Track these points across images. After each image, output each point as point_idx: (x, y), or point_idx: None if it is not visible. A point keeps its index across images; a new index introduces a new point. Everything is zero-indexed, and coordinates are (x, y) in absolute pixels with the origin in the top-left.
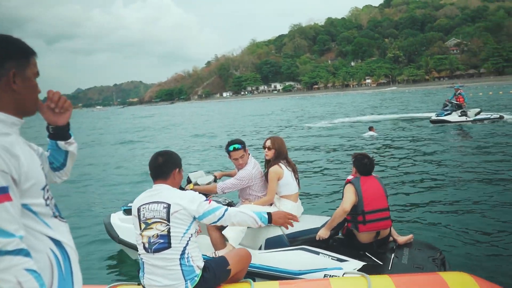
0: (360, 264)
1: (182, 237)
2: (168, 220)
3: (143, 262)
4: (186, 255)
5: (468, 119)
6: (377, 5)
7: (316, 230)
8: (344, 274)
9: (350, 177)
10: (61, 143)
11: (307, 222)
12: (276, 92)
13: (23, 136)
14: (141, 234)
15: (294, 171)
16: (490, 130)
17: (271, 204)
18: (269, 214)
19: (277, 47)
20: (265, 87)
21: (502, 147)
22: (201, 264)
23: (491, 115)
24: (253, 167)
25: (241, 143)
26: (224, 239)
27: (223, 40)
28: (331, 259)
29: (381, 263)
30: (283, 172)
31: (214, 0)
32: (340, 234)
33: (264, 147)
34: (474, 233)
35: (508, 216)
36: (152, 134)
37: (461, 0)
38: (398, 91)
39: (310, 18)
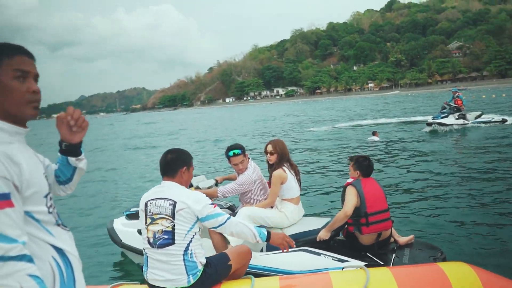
0: (361, 264)
1: (186, 234)
2: (173, 217)
3: (147, 256)
4: (189, 251)
5: (466, 122)
6: (378, 9)
7: (316, 231)
8: (343, 268)
9: (349, 180)
10: (71, 159)
11: (307, 224)
12: (278, 97)
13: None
14: (146, 228)
15: (296, 173)
16: (488, 133)
17: (272, 207)
18: (268, 232)
19: (279, 52)
20: (268, 92)
21: (499, 148)
22: (204, 261)
23: (493, 118)
24: (253, 171)
25: (241, 148)
26: (226, 241)
27: (224, 46)
28: (332, 259)
29: (382, 263)
30: (286, 177)
31: (214, 6)
32: (341, 235)
33: (266, 152)
34: (475, 232)
35: (508, 211)
36: (157, 140)
37: (462, 3)
38: (401, 95)
39: (312, 23)
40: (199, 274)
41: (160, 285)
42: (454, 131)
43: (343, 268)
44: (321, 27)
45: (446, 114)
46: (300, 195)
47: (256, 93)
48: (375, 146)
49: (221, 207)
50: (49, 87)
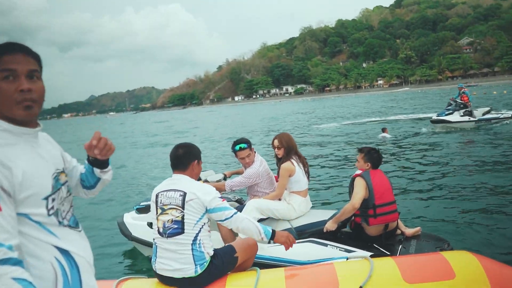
0: (367, 254)
1: (195, 224)
2: (183, 207)
3: (156, 246)
4: (198, 241)
5: (472, 119)
6: (387, 5)
7: (323, 223)
8: (347, 258)
9: (358, 171)
10: (96, 170)
11: (314, 216)
12: (287, 95)
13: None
14: (157, 219)
15: (305, 165)
16: (495, 129)
17: (280, 199)
18: (273, 231)
19: (288, 50)
20: (277, 90)
21: (505, 142)
22: (211, 252)
23: (501, 114)
24: (259, 165)
25: (247, 142)
26: (234, 233)
27: (233, 44)
28: (339, 250)
29: (388, 253)
30: (294, 169)
31: (223, 5)
32: (348, 228)
33: (274, 147)
34: (481, 223)
35: None
36: (168, 138)
37: None
38: (411, 92)
39: (321, 20)
40: (206, 264)
41: (168, 275)
42: (458, 128)
43: (347, 259)
44: (330, 24)
45: (451, 111)
46: (308, 188)
47: (265, 91)
48: (385, 142)
49: (229, 200)
50: (59, 87)
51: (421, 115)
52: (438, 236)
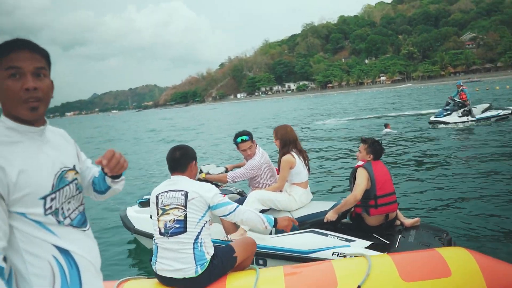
0: (367, 243)
1: (198, 222)
2: (186, 206)
3: (157, 247)
4: (199, 240)
5: (471, 119)
6: (389, 1)
7: (324, 213)
8: (344, 255)
9: (360, 163)
10: (108, 179)
11: (315, 207)
12: (290, 92)
13: None
14: (158, 219)
15: (305, 158)
16: (494, 125)
17: (281, 191)
18: (275, 219)
19: (290, 47)
20: (279, 87)
21: (502, 140)
22: (212, 252)
23: (500, 111)
24: (261, 156)
25: (249, 134)
26: (236, 225)
27: (235, 42)
28: (339, 239)
29: (388, 242)
30: (295, 162)
31: (225, 2)
32: (348, 218)
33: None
34: (482, 217)
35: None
36: (172, 134)
37: None
38: (413, 88)
39: (322, 16)
40: (206, 265)
41: (168, 275)
42: (456, 129)
43: (350, 248)
44: (332, 20)
45: (449, 112)
46: (309, 179)
47: (267, 88)
48: (387, 137)
49: (231, 192)
50: (62, 86)
51: (423, 111)
52: (436, 227)
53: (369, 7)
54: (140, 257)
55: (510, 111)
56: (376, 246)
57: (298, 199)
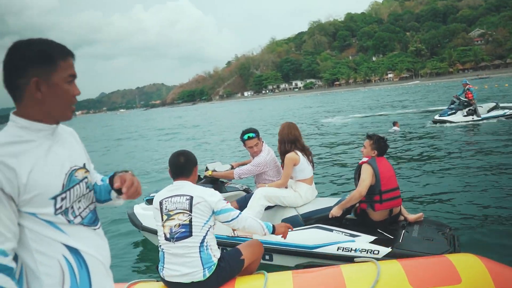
0: (372, 238)
1: (203, 226)
2: (191, 211)
3: (163, 252)
4: (205, 244)
5: (476, 118)
6: None
7: (329, 209)
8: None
9: (364, 159)
10: (114, 194)
11: (320, 203)
12: (297, 89)
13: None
14: (162, 225)
15: (308, 155)
16: (499, 124)
17: (286, 187)
18: (273, 226)
19: (297, 44)
20: (286, 85)
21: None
22: (218, 254)
23: (507, 111)
24: (267, 153)
25: (255, 131)
26: None
27: (242, 40)
28: (344, 234)
29: (392, 237)
30: (298, 159)
31: (232, 1)
32: (352, 214)
33: None
34: (484, 212)
35: None
36: (179, 132)
37: None
38: (421, 85)
39: (329, 14)
40: (213, 268)
41: (176, 281)
42: (461, 127)
43: (355, 243)
44: (339, 18)
45: (454, 111)
46: (315, 176)
47: (274, 86)
48: (395, 135)
49: (237, 189)
50: None
51: (431, 108)
52: (439, 222)
53: (377, 4)
54: (151, 260)
55: None
56: (380, 241)
57: (303, 195)
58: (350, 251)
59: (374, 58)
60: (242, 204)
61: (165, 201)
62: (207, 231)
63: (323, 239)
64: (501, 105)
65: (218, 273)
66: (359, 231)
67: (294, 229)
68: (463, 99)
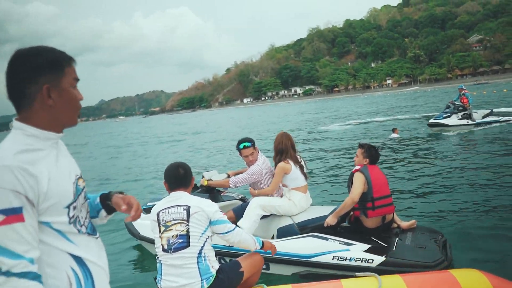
0: (366, 246)
1: (200, 236)
2: (188, 221)
3: (161, 264)
4: (203, 254)
5: (471, 122)
6: (395, 4)
7: (323, 218)
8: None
9: (357, 167)
10: (102, 213)
11: (315, 212)
12: (296, 96)
13: None
14: (160, 237)
15: (301, 167)
16: (494, 130)
17: (282, 196)
18: (263, 241)
19: (296, 51)
20: (285, 91)
21: (502, 146)
22: (216, 266)
23: (501, 118)
24: (262, 162)
25: (251, 141)
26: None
27: (241, 47)
28: (339, 243)
29: (385, 245)
30: (290, 168)
31: (231, 8)
32: (347, 222)
33: None
34: (476, 218)
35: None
36: (178, 139)
37: None
38: (420, 91)
39: (328, 20)
40: (212, 279)
41: None
42: (456, 132)
43: (350, 251)
44: (338, 24)
45: (448, 114)
46: (309, 185)
47: (273, 93)
48: (392, 141)
49: (233, 198)
50: None
51: (429, 114)
52: (432, 229)
53: (375, 11)
54: (148, 270)
55: (511, 119)
56: (374, 250)
57: (297, 203)
58: (345, 260)
59: (373, 65)
60: (238, 213)
61: (163, 212)
62: (205, 241)
63: (319, 248)
64: (495, 110)
65: (216, 285)
66: (353, 239)
67: (290, 238)
68: (458, 103)
